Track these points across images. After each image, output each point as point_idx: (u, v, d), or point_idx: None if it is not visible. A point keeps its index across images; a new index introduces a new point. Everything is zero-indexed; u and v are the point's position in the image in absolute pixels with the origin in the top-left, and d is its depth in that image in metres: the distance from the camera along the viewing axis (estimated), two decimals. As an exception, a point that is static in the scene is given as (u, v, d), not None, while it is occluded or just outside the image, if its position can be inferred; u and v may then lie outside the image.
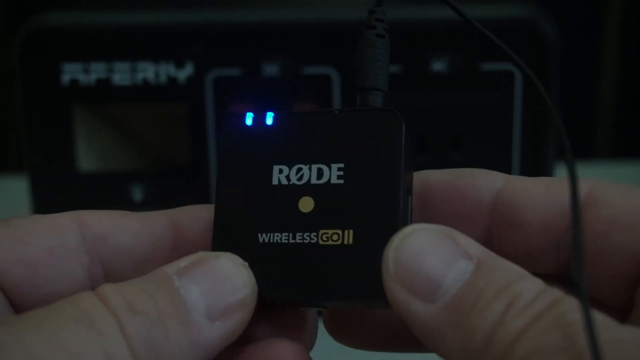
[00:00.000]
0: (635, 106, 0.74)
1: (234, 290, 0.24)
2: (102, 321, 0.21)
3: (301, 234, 0.25)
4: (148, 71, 0.44)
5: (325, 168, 0.25)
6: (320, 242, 0.25)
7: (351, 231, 0.25)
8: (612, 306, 0.26)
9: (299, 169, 0.26)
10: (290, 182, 0.25)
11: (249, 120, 0.26)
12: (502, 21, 0.44)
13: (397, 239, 0.23)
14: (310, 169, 0.25)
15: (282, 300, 0.25)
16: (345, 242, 0.25)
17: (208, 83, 0.44)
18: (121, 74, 0.44)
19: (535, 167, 0.45)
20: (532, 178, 0.27)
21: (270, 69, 0.44)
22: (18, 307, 0.25)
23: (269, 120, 0.26)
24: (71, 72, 0.44)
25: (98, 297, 0.22)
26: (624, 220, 0.25)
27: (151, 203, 0.46)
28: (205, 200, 0.46)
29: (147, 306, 0.22)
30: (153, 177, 0.45)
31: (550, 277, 0.25)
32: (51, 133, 0.45)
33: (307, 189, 0.25)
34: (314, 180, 0.25)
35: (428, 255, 0.23)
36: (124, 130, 0.45)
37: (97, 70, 0.44)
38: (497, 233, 0.26)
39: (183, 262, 0.24)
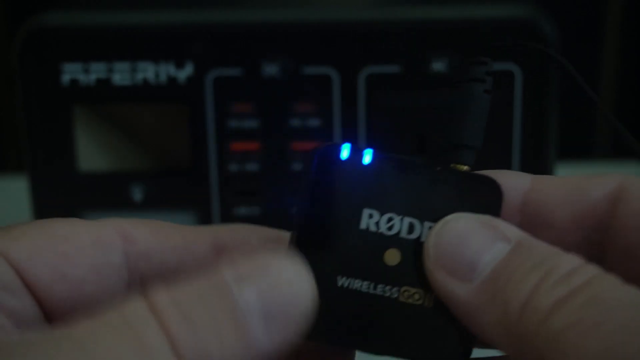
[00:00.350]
0: (635, 106, 0.74)
1: (295, 299, 0.22)
2: (151, 335, 0.20)
3: (383, 286, 0.24)
4: (148, 71, 0.44)
5: (417, 223, 0.25)
6: (401, 298, 0.24)
7: (434, 294, 0.24)
8: None
9: (390, 219, 0.25)
10: (379, 230, 0.25)
11: (345, 152, 0.25)
12: (502, 21, 0.44)
13: (438, 226, 0.24)
14: (402, 221, 0.25)
15: (345, 344, 0.25)
16: (426, 304, 0.24)
17: (208, 83, 0.44)
18: (121, 74, 0.44)
19: (536, 167, 0.45)
20: (558, 177, 0.27)
21: (270, 69, 0.44)
22: (51, 316, 0.24)
23: (367, 158, 0.25)
24: (71, 72, 0.44)
25: (148, 304, 0.20)
26: None
27: (151, 203, 0.46)
28: (205, 200, 0.46)
29: (203, 318, 0.20)
30: (153, 177, 0.45)
31: None
32: (51, 133, 0.45)
33: (396, 241, 0.25)
34: (403, 234, 0.25)
35: (466, 239, 0.24)
36: (124, 130, 0.45)
37: (97, 70, 0.44)
38: (526, 228, 0.26)
39: (242, 265, 0.22)
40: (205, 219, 0.46)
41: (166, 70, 0.44)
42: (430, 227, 0.25)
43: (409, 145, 0.45)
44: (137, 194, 0.46)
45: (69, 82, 0.44)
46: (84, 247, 0.25)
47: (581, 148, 0.74)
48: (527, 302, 0.22)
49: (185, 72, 0.44)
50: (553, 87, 0.44)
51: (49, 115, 0.45)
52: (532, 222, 0.26)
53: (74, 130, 0.45)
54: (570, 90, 0.66)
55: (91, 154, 0.45)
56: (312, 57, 0.43)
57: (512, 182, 0.26)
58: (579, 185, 0.26)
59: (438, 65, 0.44)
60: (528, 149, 0.45)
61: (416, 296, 0.24)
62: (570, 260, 0.22)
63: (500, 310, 0.22)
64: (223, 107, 0.44)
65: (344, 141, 0.25)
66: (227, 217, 0.46)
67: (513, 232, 0.24)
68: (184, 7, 0.45)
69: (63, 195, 0.46)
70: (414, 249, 0.25)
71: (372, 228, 0.25)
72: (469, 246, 0.23)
